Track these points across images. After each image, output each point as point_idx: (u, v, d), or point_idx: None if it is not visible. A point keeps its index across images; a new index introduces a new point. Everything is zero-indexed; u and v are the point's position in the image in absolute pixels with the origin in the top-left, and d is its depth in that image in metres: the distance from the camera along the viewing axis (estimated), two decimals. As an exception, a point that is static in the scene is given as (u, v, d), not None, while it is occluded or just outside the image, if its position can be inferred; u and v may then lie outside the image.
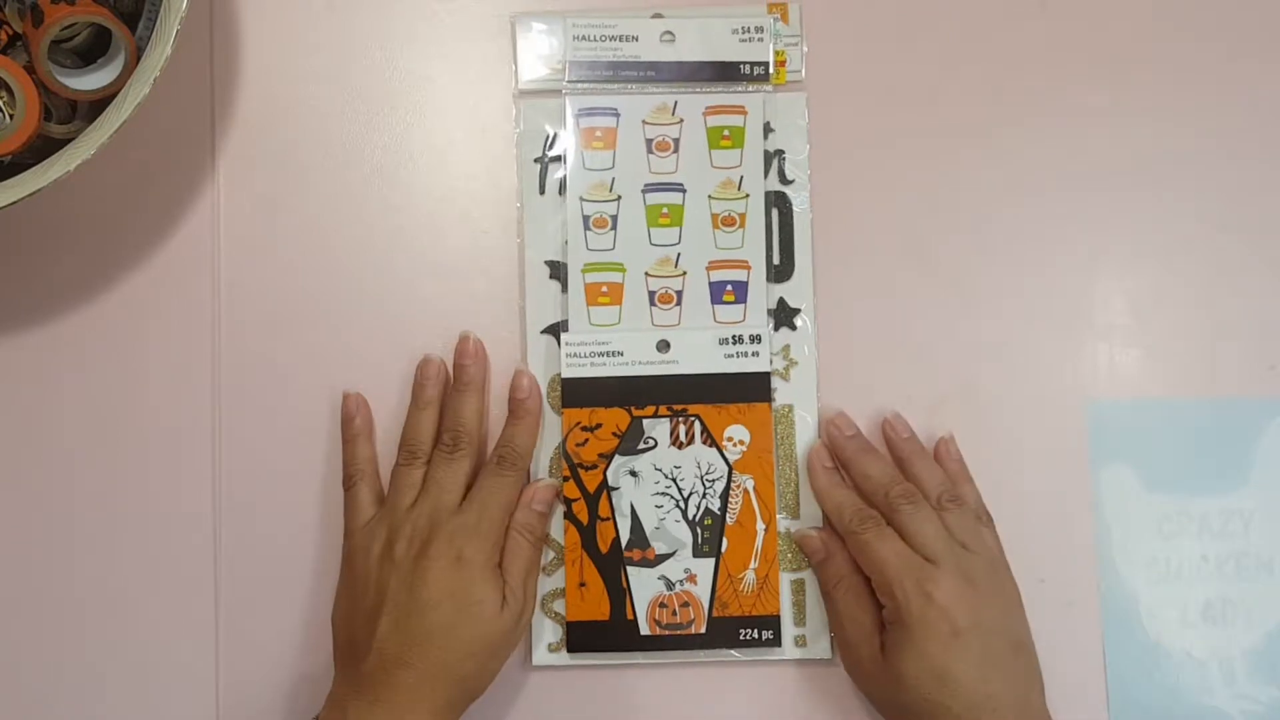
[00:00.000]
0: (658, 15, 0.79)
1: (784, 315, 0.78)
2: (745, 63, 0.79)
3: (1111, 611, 0.76)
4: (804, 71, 0.79)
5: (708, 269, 0.78)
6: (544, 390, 0.77)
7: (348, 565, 0.73)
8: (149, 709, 0.77)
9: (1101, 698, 0.75)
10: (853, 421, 0.76)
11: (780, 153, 0.78)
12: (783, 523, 0.77)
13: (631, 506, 0.76)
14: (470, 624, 0.69)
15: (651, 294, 0.78)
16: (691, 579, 0.76)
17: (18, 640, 0.77)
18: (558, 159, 0.78)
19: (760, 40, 0.79)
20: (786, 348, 0.78)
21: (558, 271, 0.78)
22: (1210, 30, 0.79)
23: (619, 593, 0.76)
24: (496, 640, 0.70)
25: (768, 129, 0.78)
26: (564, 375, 0.77)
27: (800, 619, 0.76)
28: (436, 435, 0.75)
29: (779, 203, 0.78)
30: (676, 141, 0.78)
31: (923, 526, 0.72)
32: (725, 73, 0.79)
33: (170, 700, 0.76)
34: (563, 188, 0.78)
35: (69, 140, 0.69)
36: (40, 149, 0.70)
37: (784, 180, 0.78)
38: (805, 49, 0.79)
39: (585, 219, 0.78)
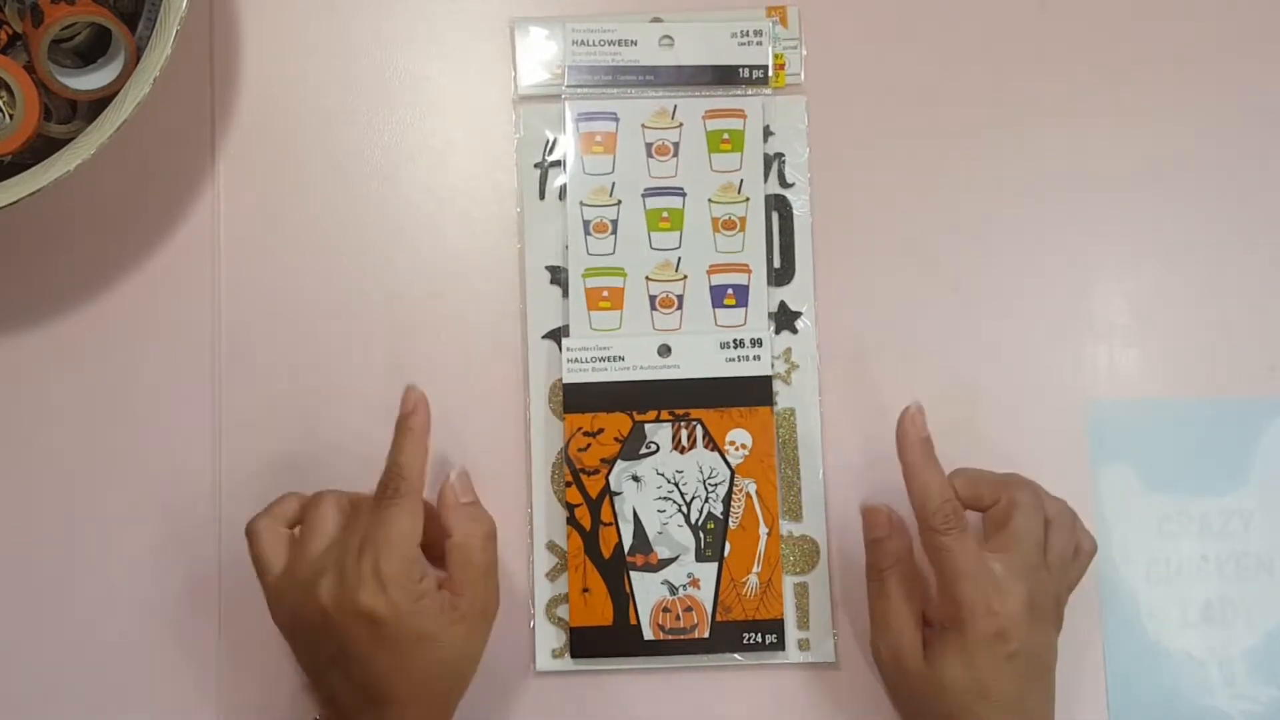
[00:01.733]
0: (656, 20, 0.79)
1: (785, 318, 0.78)
2: (744, 66, 0.79)
3: (1111, 611, 0.76)
4: (803, 75, 0.79)
5: (708, 273, 0.78)
6: (545, 395, 0.77)
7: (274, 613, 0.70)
8: (149, 709, 0.76)
9: (1101, 698, 0.75)
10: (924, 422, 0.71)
11: (780, 156, 0.79)
12: (785, 526, 0.76)
13: (634, 511, 0.76)
14: (425, 655, 0.67)
15: (652, 298, 0.78)
16: (694, 583, 0.76)
17: (18, 640, 0.76)
18: (557, 164, 0.78)
19: (759, 44, 0.79)
20: (788, 351, 0.78)
21: (558, 276, 0.78)
22: (1210, 31, 0.79)
23: (622, 598, 0.75)
24: (460, 651, 0.68)
25: (767, 132, 0.78)
26: (565, 380, 0.76)
27: (804, 622, 0.76)
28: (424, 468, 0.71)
29: (779, 206, 0.78)
30: (676, 145, 0.78)
31: (1019, 533, 0.69)
32: (724, 76, 0.79)
33: (171, 702, 0.76)
34: (563, 193, 0.78)
35: (69, 140, 0.69)
36: (40, 149, 0.70)
37: (784, 183, 0.78)
38: (804, 52, 0.79)
39: (585, 224, 0.78)
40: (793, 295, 0.78)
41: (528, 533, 0.76)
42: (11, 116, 0.70)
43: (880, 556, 0.72)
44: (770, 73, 0.79)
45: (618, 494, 0.76)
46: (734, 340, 0.77)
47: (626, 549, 0.76)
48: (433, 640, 0.67)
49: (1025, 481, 0.71)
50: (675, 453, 0.76)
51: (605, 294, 0.77)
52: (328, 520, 0.69)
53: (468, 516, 0.70)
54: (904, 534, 0.72)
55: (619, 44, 0.79)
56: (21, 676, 0.76)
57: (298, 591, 0.67)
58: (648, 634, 0.75)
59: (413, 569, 0.67)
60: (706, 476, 0.76)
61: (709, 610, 0.76)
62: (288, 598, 0.68)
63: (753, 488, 0.76)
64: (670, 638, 0.75)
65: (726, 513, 0.76)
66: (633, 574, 0.76)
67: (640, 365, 0.77)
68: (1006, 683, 0.67)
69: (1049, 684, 0.70)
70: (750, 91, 0.79)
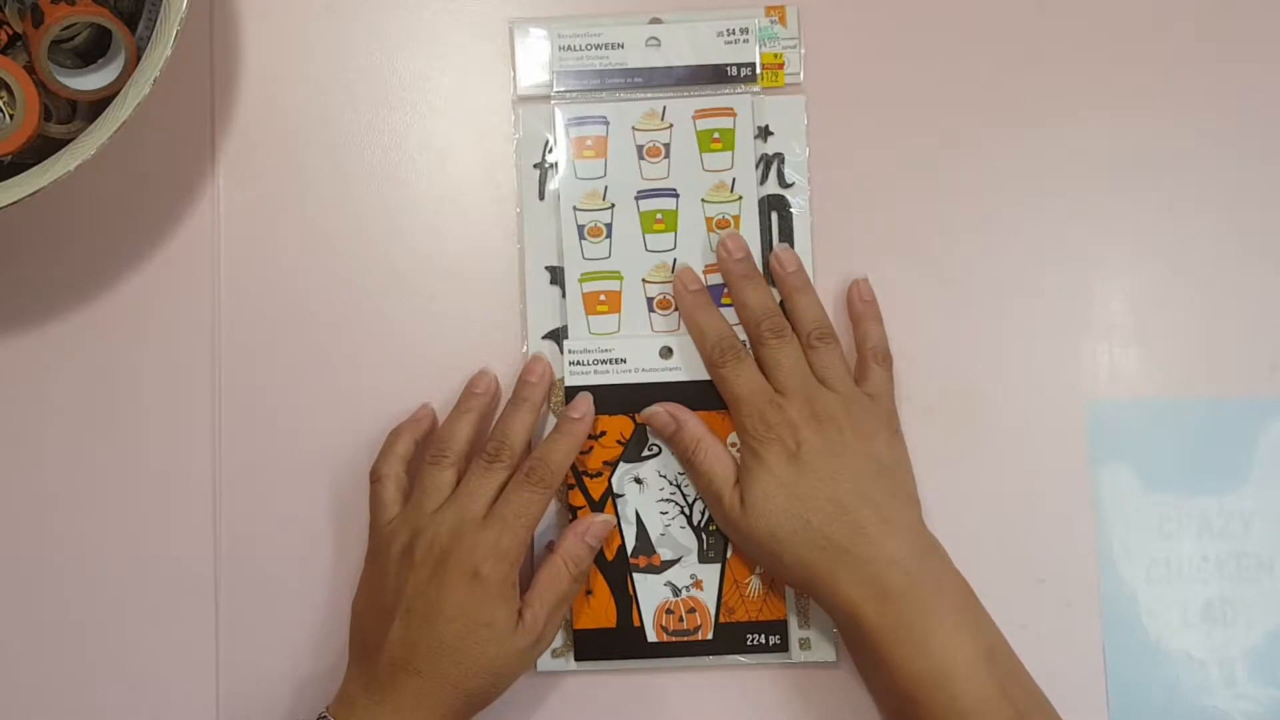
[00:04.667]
0: (656, 20, 0.79)
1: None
2: (732, 65, 0.79)
3: (1111, 611, 0.76)
4: (802, 74, 0.79)
5: (705, 272, 0.77)
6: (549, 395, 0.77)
7: (370, 559, 0.73)
8: (149, 709, 0.76)
9: (1101, 698, 0.75)
10: (745, 245, 0.77)
11: (779, 156, 0.78)
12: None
13: (637, 513, 0.76)
14: (478, 644, 0.69)
15: (650, 300, 0.78)
16: (697, 585, 0.76)
17: (18, 640, 0.76)
18: (556, 165, 0.78)
19: (746, 42, 0.79)
20: (788, 350, 0.78)
21: (558, 277, 0.78)
22: (1210, 30, 0.79)
23: (625, 600, 0.75)
24: (503, 662, 0.69)
25: (766, 132, 0.78)
26: (568, 383, 0.76)
27: (805, 622, 0.76)
28: (472, 444, 0.74)
29: (778, 206, 0.78)
30: (667, 147, 0.78)
31: (781, 360, 0.73)
32: (712, 75, 0.79)
33: (170, 700, 0.76)
34: (560, 198, 0.78)
35: (69, 140, 0.69)
36: (40, 149, 0.70)
37: (783, 183, 0.78)
38: (803, 51, 0.79)
39: (580, 228, 0.78)
40: (793, 295, 0.78)
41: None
42: (11, 116, 0.70)
43: (682, 447, 0.75)
44: (758, 70, 0.79)
45: (620, 496, 0.76)
46: (734, 341, 0.77)
47: (629, 551, 0.76)
48: (492, 632, 0.69)
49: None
50: (677, 454, 0.77)
51: (603, 298, 0.77)
52: (445, 485, 0.72)
53: (585, 549, 0.73)
54: (694, 416, 0.75)
55: (606, 47, 0.79)
56: (21, 676, 0.76)
57: (409, 535, 0.71)
58: (651, 636, 0.75)
59: (522, 555, 0.71)
60: (708, 477, 0.76)
61: (712, 612, 0.76)
62: (397, 540, 0.71)
63: (754, 488, 0.76)
64: (673, 639, 0.75)
65: (728, 513, 0.76)
66: (636, 576, 0.76)
67: (642, 368, 0.77)
68: (815, 489, 0.70)
69: (885, 483, 0.72)
70: (739, 90, 0.79)
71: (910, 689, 0.68)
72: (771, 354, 0.74)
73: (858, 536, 0.69)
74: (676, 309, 0.77)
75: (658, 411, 0.75)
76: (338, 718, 0.69)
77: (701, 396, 0.76)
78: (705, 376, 0.76)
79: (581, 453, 0.76)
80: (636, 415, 0.76)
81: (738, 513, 0.71)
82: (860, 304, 0.77)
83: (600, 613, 0.75)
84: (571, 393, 0.76)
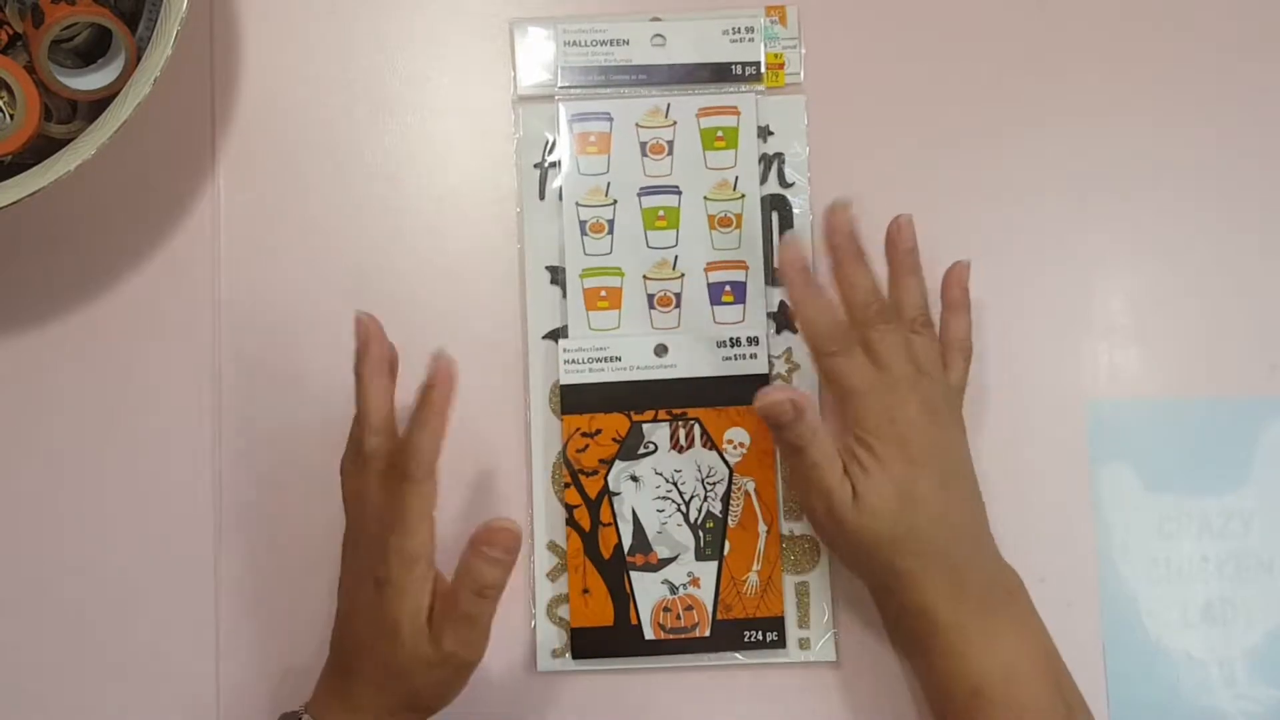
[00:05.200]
0: (656, 19, 0.79)
1: (785, 318, 0.78)
2: (736, 63, 0.79)
3: (1111, 611, 0.76)
4: (802, 74, 0.79)
5: (706, 270, 0.78)
6: (545, 396, 0.77)
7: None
8: (149, 708, 0.76)
9: (1102, 698, 0.75)
10: (853, 222, 0.72)
11: (780, 155, 0.79)
12: (786, 526, 0.76)
13: (633, 511, 0.76)
14: (387, 649, 0.66)
15: (650, 297, 0.78)
16: (695, 582, 0.76)
17: (17, 640, 0.76)
18: (557, 164, 0.78)
19: (751, 40, 0.79)
20: (788, 351, 0.78)
21: (558, 277, 0.78)
22: (1210, 30, 0.79)
23: (623, 598, 0.75)
24: (415, 669, 0.66)
25: (766, 132, 0.78)
26: (563, 381, 0.76)
27: (804, 621, 0.76)
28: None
29: (779, 206, 0.78)
30: (670, 144, 0.78)
31: (889, 348, 0.70)
32: (717, 74, 0.79)
33: (170, 700, 0.76)
34: (561, 194, 0.78)
35: (69, 140, 0.69)
36: (40, 149, 0.70)
37: (783, 183, 0.78)
38: (804, 51, 0.79)
39: (582, 224, 0.78)
40: (793, 295, 0.78)
41: (528, 533, 0.76)
42: (12, 116, 0.70)
43: (797, 435, 0.69)
44: (763, 69, 0.79)
45: (616, 494, 0.76)
46: (731, 339, 0.77)
47: (626, 549, 0.76)
48: (397, 639, 0.65)
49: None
50: (673, 452, 0.76)
51: (603, 294, 0.78)
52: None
53: (485, 562, 0.65)
54: (813, 408, 0.70)
55: (611, 44, 0.79)
56: (21, 675, 0.76)
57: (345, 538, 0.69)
58: (648, 633, 0.75)
59: (427, 551, 0.66)
60: (705, 475, 0.76)
61: (709, 609, 0.76)
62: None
63: (751, 486, 0.76)
64: (671, 637, 0.75)
65: (725, 511, 0.76)
66: (633, 574, 0.76)
67: (637, 365, 0.77)
68: (926, 486, 0.69)
69: (967, 487, 0.71)
70: (743, 88, 0.79)
71: (977, 685, 0.68)
72: (880, 339, 0.70)
73: (955, 540, 0.69)
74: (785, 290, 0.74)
75: (779, 400, 0.68)
76: (313, 713, 0.69)
77: (698, 394, 0.76)
78: (700, 374, 0.76)
79: (577, 450, 0.76)
80: (753, 402, 0.69)
81: (847, 507, 0.69)
82: (957, 290, 0.74)
83: (597, 611, 0.75)
84: (567, 393, 0.76)
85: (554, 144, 0.78)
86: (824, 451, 0.69)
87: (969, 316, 0.74)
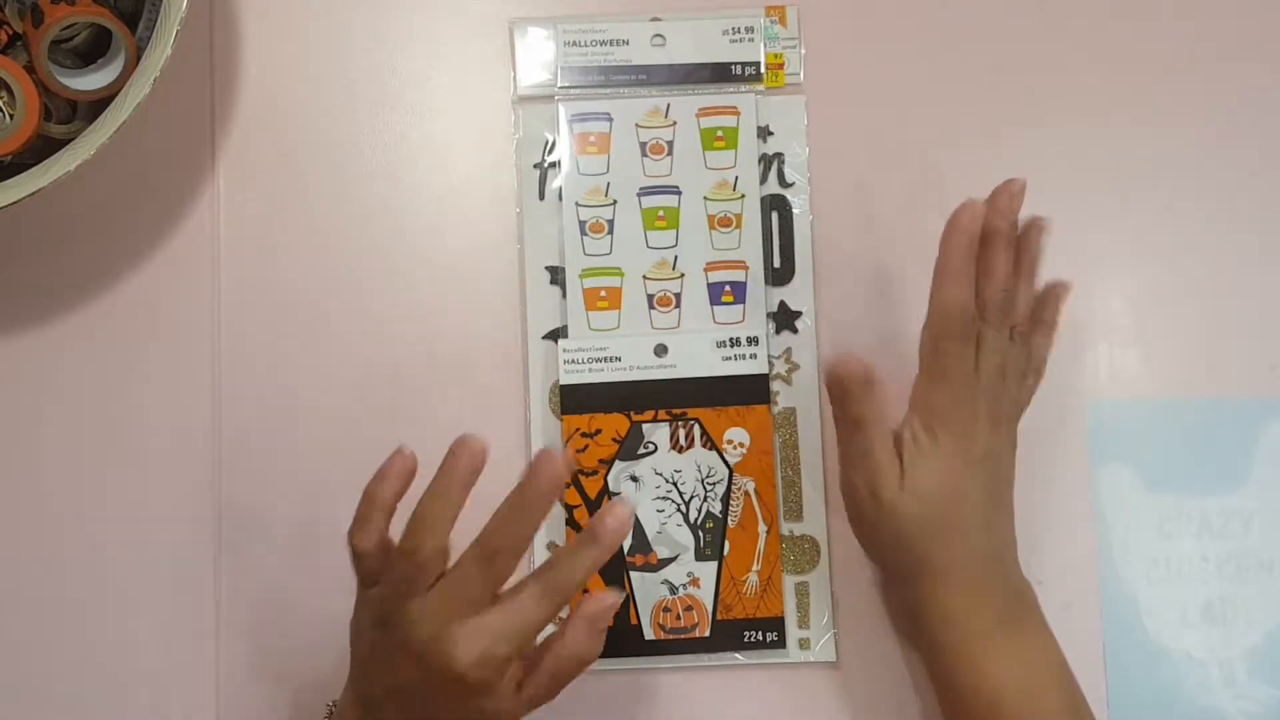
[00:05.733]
0: (656, 19, 0.79)
1: (785, 318, 0.78)
2: (736, 63, 0.79)
3: (1111, 611, 0.76)
4: (802, 74, 0.79)
5: (705, 270, 0.78)
6: (545, 396, 0.77)
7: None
8: (149, 709, 0.76)
9: (1102, 698, 0.75)
10: (1019, 209, 0.70)
11: (779, 155, 0.79)
12: (786, 526, 0.76)
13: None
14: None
15: (650, 297, 0.78)
16: (694, 583, 0.76)
17: (18, 640, 0.76)
18: (556, 164, 0.78)
19: (751, 40, 0.79)
20: (788, 351, 0.78)
21: (558, 277, 0.78)
22: (1210, 31, 0.79)
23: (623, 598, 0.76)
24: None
25: (766, 132, 0.78)
26: (562, 381, 0.76)
27: (804, 621, 0.76)
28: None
29: (778, 206, 0.78)
30: (670, 144, 0.78)
31: (992, 348, 0.69)
32: (717, 74, 0.79)
33: (170, 700, 0.76)
34: (561, 194, 0.78)
35: (69, 140, 0.69)
36: (40, 149, 0.70)
37: (783, 183, 0.78)
38: (803, 51, 0.79)
39: (582, 224, 0.78)
40: (793, 295, 0.78)
41: (528, 532, 0.76)
42: (12, 116, 0.70)
43: (866, 407, 0.69)
44: (762, 69, 0.79)
45: (616, 494, 0.76)
46: (730, 339, 0.77)
47: (626, 549, 0.76)
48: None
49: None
50: (673, 452, 0.76)
51: (603, 294, 0.78)
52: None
53: (597, 639, 0.67)
54: (879, 380, 0.69)
55: (611, 44, 0.79)
56: (21, 675, 0.76)
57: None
58: (649, 634, 0.75)
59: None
60: (705, 475, 0.76)
61: (709, 609, 0.76)
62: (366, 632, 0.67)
63: (751, 486, 0.76)
64: (671, 637, 0.75)
65: (725, 511, 0.76)
66: (632, 574, 0.76)
67: (637, 365, 0.77)
68: (975, 487, 0.68)
69: (1009, 501, 0.71)
70: (743, 88, 0.79)
71: (995, 697, 0.68)
72: (988, 338, 0.70)
73: (990, 548, 0.69)
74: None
75: (856, 370, 0.68)
76: None
77: (697, 394, 0.76)
78: (700, 374, 0.76)
79: (577, 451, 0.76)
80: (825, 365, 0.69)
81: (892, 486, 0.68)
82: (1052, 311, 0.73)
83: (598, 611, 0.75)
84: (567, 393, 0.76)
85: (554, 144, 0.78)
86: (881, 429, 0.69)
87: (1053, 339, 0.73)
